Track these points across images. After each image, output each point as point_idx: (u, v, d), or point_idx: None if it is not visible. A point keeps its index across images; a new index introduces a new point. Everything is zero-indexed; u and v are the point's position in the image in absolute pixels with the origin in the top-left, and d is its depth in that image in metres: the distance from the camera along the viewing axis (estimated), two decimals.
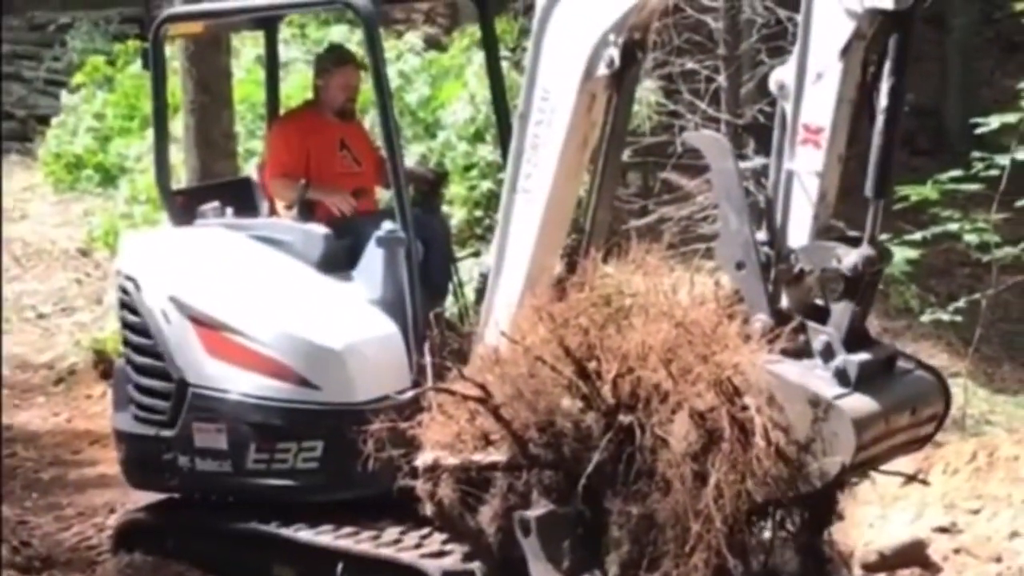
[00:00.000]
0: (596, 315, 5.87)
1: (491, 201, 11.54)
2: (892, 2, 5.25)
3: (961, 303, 10.73)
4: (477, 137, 12.18)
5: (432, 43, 15.01)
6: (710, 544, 5.43)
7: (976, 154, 10.64)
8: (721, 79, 12.70)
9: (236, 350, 6.87)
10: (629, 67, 6.19)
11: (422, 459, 6.18)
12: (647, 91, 12.77)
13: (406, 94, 12.56)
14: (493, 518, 6.10)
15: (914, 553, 7.21)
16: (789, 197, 5.67)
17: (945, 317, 10.67)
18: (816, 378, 5.51)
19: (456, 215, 11.75)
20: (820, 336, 5.57)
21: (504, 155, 7.33)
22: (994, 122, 10.82)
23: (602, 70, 6.12)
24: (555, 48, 6.22)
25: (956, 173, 10.69)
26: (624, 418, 5.68)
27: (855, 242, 5.51)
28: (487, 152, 11.90)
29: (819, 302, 5.73)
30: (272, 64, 8.24)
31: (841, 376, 5.49)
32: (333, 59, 7.75)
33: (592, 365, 5.82)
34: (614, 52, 6.07)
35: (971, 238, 10.77)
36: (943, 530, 7.63)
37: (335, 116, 7.57)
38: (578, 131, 6.28)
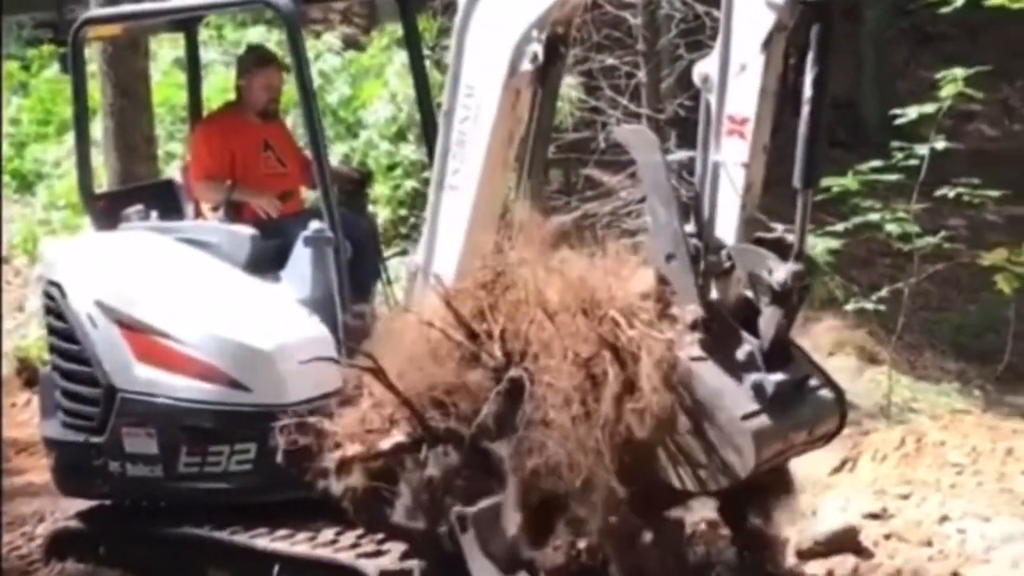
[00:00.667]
0: (486, 280, 6.04)
1: (415, 200, 11.56)
2: None
3: (884, 292, 10.86)
4: (399, 136, 12.19)
5: (351, 43, 14.98)
6: (602, 480, 5.59)
7: (895, 145, 10.77)
8: (641, 74, 12.80)
9: (165, 354, 6.82)
10: (553, 63, 6.22)
11: (331, 457, 6.24)
12: (568, 87, 12.83)
13: (327, 94, 12.55)
14: (410, 508, 6.18)
15: (846, 540, 7.29)
16: (716, 188, 5.73)
17: (868, 306, 10.79)
18: (732, 390, 5.66)
19: (380, 214, 11.75)
20: (744, 346, 5.69)
21: (430, 153, 7.33)
22: (912, 113, 10.95)
23: (526, 66, 6.14)
24: (478, 45, 6.23)
25: (876, 164, 10.82)
26: (513, 372, 5.83)
27: (786, 250, 5.60)
28: (410, 151, 11.91)
29: (748, 294, 5.82)
30: (193, 66, 8.20)
31: (757, 391, 5.65)
32: (254, 60, 7.73)
33: (483, 327, 5.97)
34: (537, 48, 6.10)
35: (892, 228, 10.89)
36: (874, 516, 7.69)
37: (258, 117, 7.56)
38: (503, 127, 6.30)
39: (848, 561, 7.25)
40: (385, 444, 6.24)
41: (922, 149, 10.72)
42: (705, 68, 5.71)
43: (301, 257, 6.95)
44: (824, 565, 7.20)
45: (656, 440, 5.66)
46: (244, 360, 6.71)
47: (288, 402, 6.56)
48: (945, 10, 11.53)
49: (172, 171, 8.31)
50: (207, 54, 12.61)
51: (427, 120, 7.67)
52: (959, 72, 10.68)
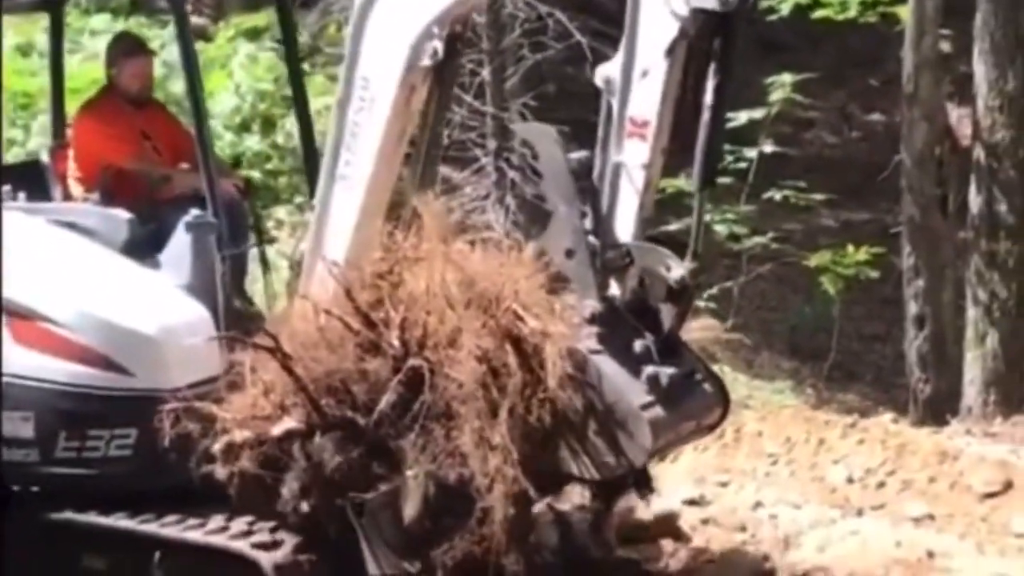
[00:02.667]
0: (383, 270, 6.13)
1: (259, 191, 11.52)
2: (717, 3, 5.56)
3: (714, 291, 11.26)
4: (243, 127, 12.15)
5: (199, 34, 14.81)
6: (508, 474, 5.74)
7: (726, 148, 11.17)
8: (485, 73, 12.94)
9: (44, 337, 6.73)
10: (451, 59, 6.35)
11: (218, 442, 6.27)
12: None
13: (170, 83, 12.42)
14: (296, 495, 6.23)
15: (666, 524, 7.65)
16: (616, 188, 5.95)
17: (701, 305, 11.17)
18: (629, 381, 5.90)
19: None
20: (639, 340, 5.93)
21: (307, 146, 7.46)
22: (743, 117, 11.35)
23: (425, 61, 6.26)
24: (377, 37, 6.32)
25: None
26: (413, 361, 5.94)
27: (682, 248, 5.85)
28: (254, 142, 11.89)
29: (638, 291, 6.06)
30: (56, 48, 8.07)
31: (651, 383, 5.90)
32: (123, 48, 7.66)
33: (380, 315, 6.08)
34: (438, 44, 6.21)
35: (722, 228, 11.29)
36: (693, 502, 8.14)
37: (131, 105, 7.47)
38: (397, 121, 6.40)
39: (667, 545, 7.60)
40: (276, 430, 6.28)
41: (751, 152, 11.12)
42: (608, 71, 5.92)
43: (181, 243, 6.93)
44: (645, 549, 7.54)
45: (559, 430, 5.86)
46: (127, 344, 6.67)
47: (171, 387, 6.54)
48: (772, 17, 11.98)
49: (42, 153, 8.04)
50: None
51: (302, 113, 7.70)
52: (787, 78, 11.15)
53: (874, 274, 11.90)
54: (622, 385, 5.86)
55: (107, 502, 6.72)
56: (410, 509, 5.97)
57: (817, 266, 10.91)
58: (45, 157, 7.55)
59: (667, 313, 5.92)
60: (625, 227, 5.96)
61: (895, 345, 12.40)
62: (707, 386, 6.24)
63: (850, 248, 11.70)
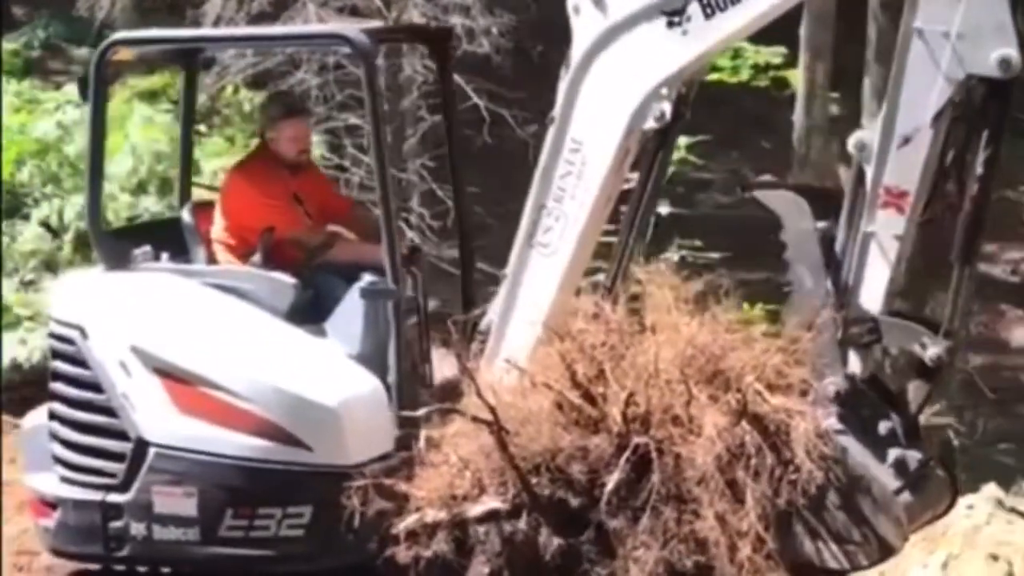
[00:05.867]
0: (604, 339, 5.81)
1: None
2: (998, 70, 5.31)
3: None
4: (140, 188, 11.91)
5: None
6: (761, 566, 5.45)
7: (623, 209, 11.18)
8: (387, 134, 12.69)
9: (214, 406, 6.29)
10: (676, 121, 6.06)
11: (404, 523, 5.88)
12: (314, 146, 13.04)
13: (65, 145, 12.14)
14: None
15: None
16: (864, 260, 5.65)
17: None
18: (876, 465, 5.60)
19: None
20: (886, 421, 5.64)
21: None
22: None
23: (650, 123, 5.97)
24: (594, 98, 6.04)
25: (608, 227, 11.06)
26: (638, 439, 5.60)
27: (933, 326, 5.58)
28: (151, 203, 11.62)
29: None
30: (188, 103, 7.65)
31: (899, 467, 5.60)
32: (281, 110, 7.19)
33: (599, 389, 5.75)
34: (666, 106, 5.93)
35: None
36: None
37: (287, 169, 7.06)
38: (608, 187, 6.11)
39: None
40: (476, 510, 5.90)
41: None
42: (862, 137, 5.62)
43: (351, 310, 6.54)
44: None
45: (804, 516, 5.54)
46: (307, 417, 6.24)
47: (350, 463, 6.15)
48: None
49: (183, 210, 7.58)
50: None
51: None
52: (682, 140, 11.09)
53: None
54: (873, 468, 5.55)
55: None
56: None
57: None
58: (187, 216, 7.11)
59: (919, 392, 5.62)
60: (872, 302, 5.66)
61: None
62: (939, 472, 5.93)
63: (745, 306, 11.78)
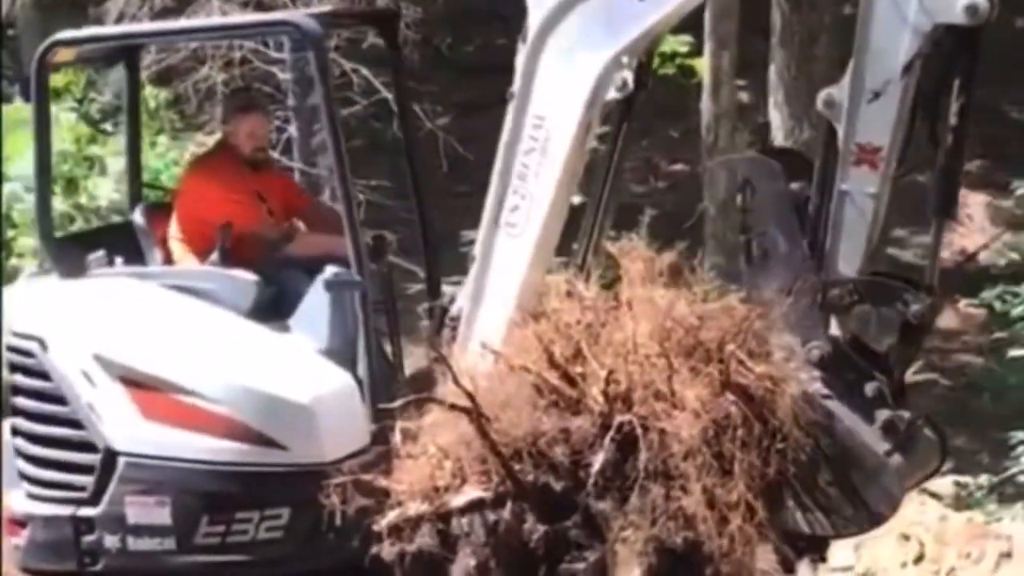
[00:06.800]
0: (579, 317, 5.67)
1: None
2: (965, 17, 5.19)
3: None
4: None
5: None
6: (752, 536, 5.33)
7: None
8: (292, 129, 12.92)
9: (182, 411, 6.12)
10: (639, 91, 5.93)
11: (386, 519, 5.72)
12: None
13: None
14: (472, 572, 5.68)
15: None
16: (840, 220, 5.52)
17: None
18: (865, 428, 5.48)
19: (28, 268, 11.25)
20: (871, 383, 5.51)
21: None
22: None
23: (611, 94, 5.83)
24: (553, 71, 5.86)
25: None
26: (620, 417, 5.46)
27: (914, 283, 5.47)
28: (57, 203, 11.42)
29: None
30: (133, 97, 7.47)
31: (888, 429, 5.47)
32: (237, 105, 7.04)
33: (578, 369, 5.61)
34: (627, 74, 5.79)
35: None
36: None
37: (247, 166, 6.87)
38: (573, 161, 5.96)
39: None
40: (458, 501, 5.75)
41: None
42: (831, 94, 5.50)
43: (316, 303, 6.38)
44: None
45: (792, 484, 5.42)
46: (280, 415, 6.08)
47: (327, 460, 6.00)
48: None
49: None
50: None
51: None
52: None
53: None
54: (861, 432, 5.43)
55: None
56: None
57: None
58: (139, 218, 6.92)
59: (904, 352, 5.51)
60: (851, 263, 5.53)
61: None
62: (928, 434, 5.83)
63: None
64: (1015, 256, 11.49)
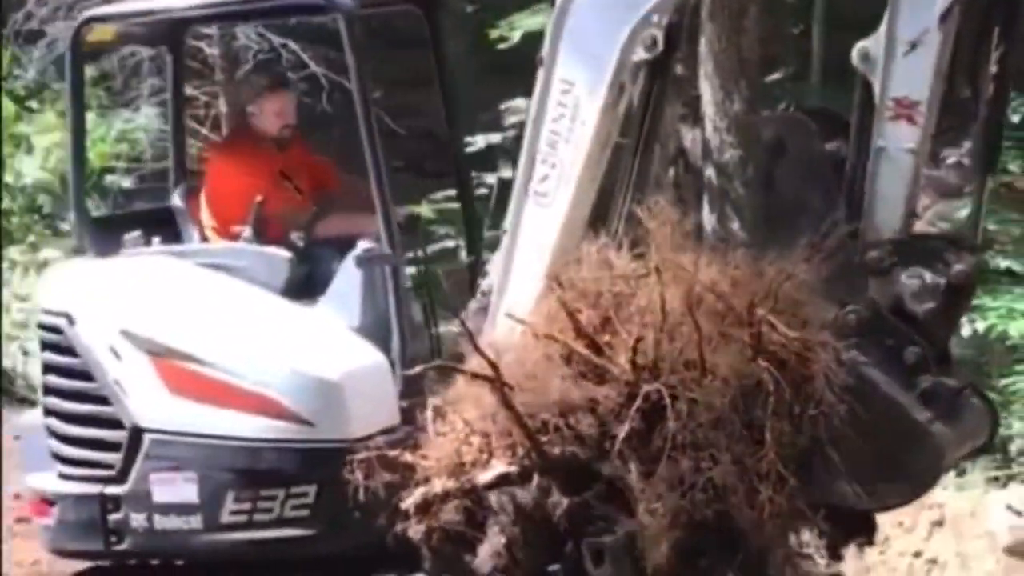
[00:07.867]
0: (608, 286, 5.49)
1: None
2: None
3: None
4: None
5: None
6: (783, 506, 5.13)
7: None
8: (221, 104, 12.80)
9: (210, 386, 6.00)
10: (671, 51, 5.73)
11: (412, 496, 5.55)
12: (146, 118, 13.32)
13: None
14: (500, 550, 5.52)
15: None
16: (877, 178, 5.29)
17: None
18: (904, 395, 5.24)
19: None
20: (912, 348, 5.25)
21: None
22: (480, 141, 11.41)
23: (641, 55, 5.64)
24: (581, 33, 5.67)
25: (450, 192, 10.66)
26: (648, 387, 5.25)
27: (956, 243, 5.23)
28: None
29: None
30: (177, 80, 7.42)
31: (929, 397, 5.23)
32: (264, 83, 6.94)
33: (605, 338, 5.43)
34: (657, 33, 5.60)
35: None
36: None
37: (272, 144, 6.76)
38: (604, 127, 5.77)
39: None
40: (485, 476, 5.57)
41: (491, 178, 10.81)
42: (868, 46, 5.27)
43: (348, 280, 6.24)
44: None
45: (828, 453, 5.18)
46: (308, 391, 5.94)
47: (354, 437, 5.83)
48: (504, 46, 12.37)
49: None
50: None
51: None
52: (522, 103, 10.78)
53: None
54: (901, 399, 5.18)
55: (280, 571, 5.99)
56: (656, 552, 5.24)
57: None
58: (178, 199, 6.85)
59: (947, 316, 5.25)
60: (888, 222, 5.30)
61: None
62: (975, 401, 5.55)
63: None
64: (945, 226, 11.18)
